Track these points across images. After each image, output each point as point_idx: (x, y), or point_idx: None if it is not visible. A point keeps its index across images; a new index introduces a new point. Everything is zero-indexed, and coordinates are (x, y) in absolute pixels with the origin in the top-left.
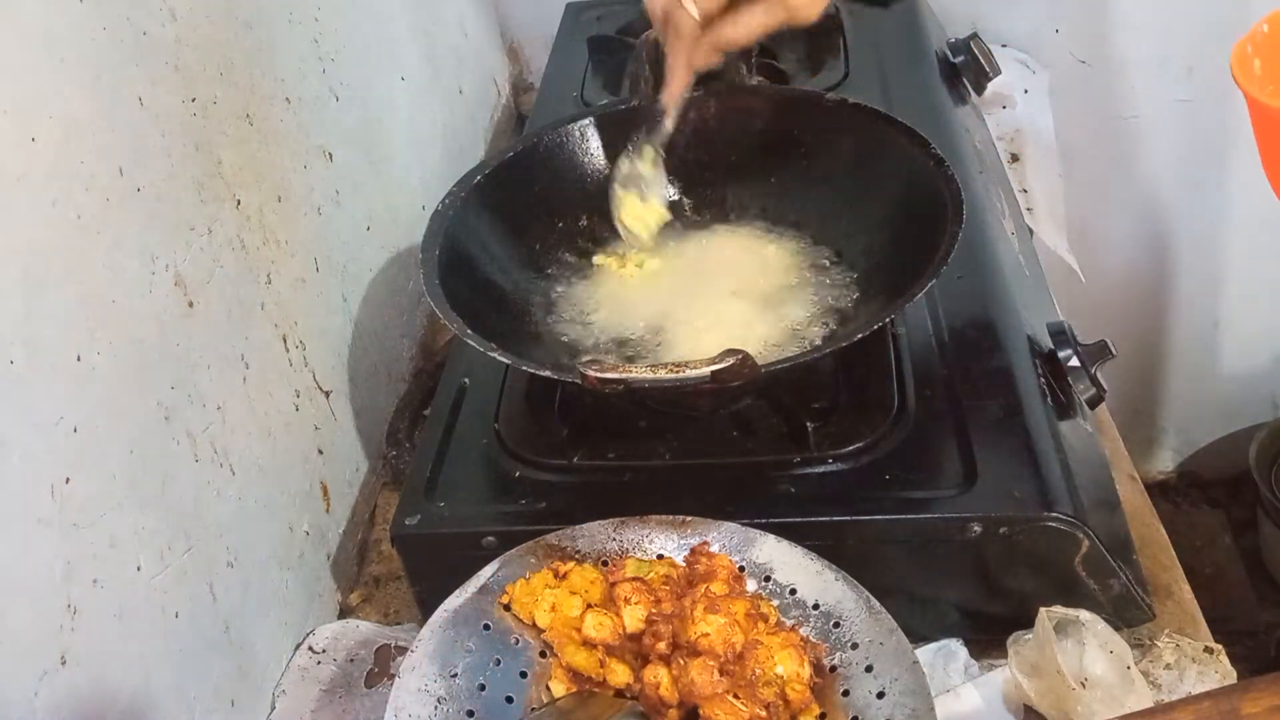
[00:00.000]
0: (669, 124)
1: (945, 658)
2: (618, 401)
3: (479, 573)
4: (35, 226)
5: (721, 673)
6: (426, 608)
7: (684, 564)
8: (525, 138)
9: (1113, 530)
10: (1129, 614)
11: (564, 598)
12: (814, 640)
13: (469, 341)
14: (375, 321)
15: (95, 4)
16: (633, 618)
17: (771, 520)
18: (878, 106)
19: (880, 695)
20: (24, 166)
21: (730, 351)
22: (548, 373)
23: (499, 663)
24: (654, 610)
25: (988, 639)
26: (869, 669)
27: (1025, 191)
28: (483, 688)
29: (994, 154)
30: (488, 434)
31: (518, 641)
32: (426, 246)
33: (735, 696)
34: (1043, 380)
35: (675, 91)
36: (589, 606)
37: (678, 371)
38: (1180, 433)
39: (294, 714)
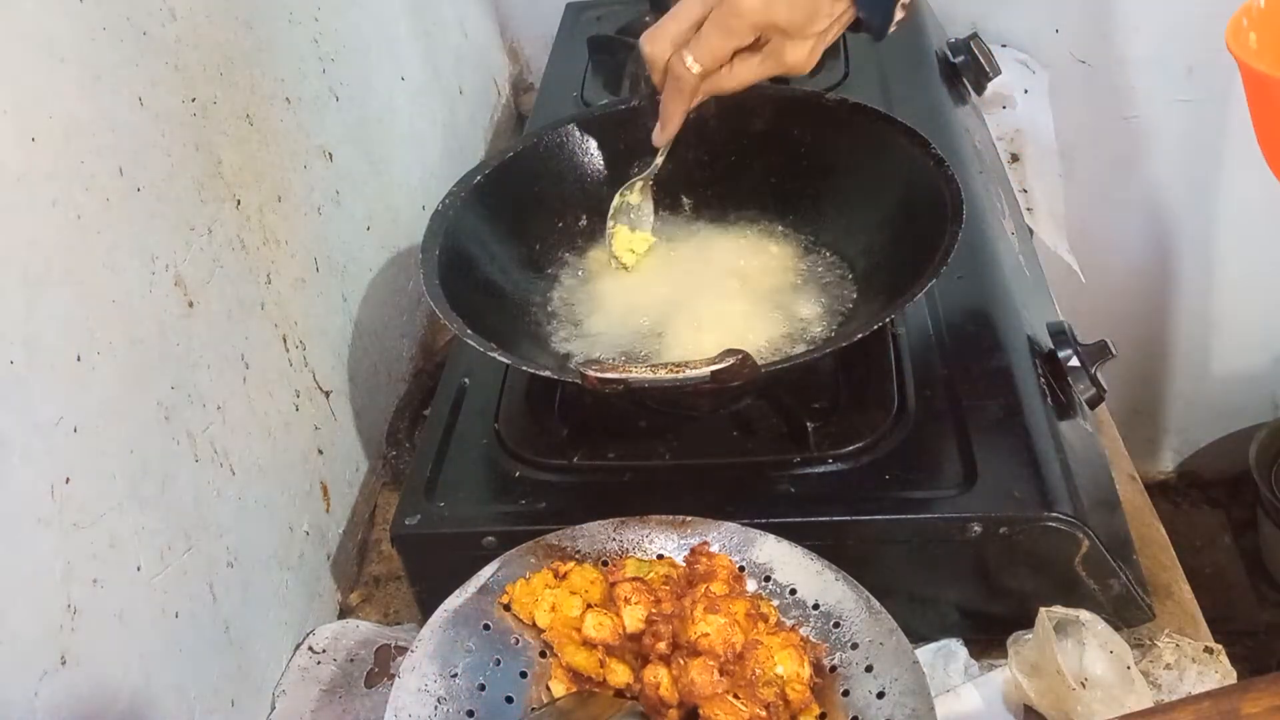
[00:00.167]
0: (659, 161)
1: (945, 658)
2: (618, 401)
3: (479, 573)
4: (35, 226)
5: (721, 673)
6: (426, 608)
7: (684, 564)
8: (525, 138)
9: (1113, 530)
10: (1129, 614)
11: (564, 598)
12: (814, 640)
13: (469, 341)
14: (375, 321)
15: (95, 4)
16: (633, 618)
17: (771, 520)
18: (878, 106)
19: (880, 695)
20: (24, 166)
21: (730, 351)
22: (548, 373)
23: (499, 663)
24: (654, 610)
25: (988, 639)
26: (869, 669)
27: (1025, 191)
28: (483, 688)
29: (994, 154)
30: (488, 434)
31: (518, 641)
32: (426, 246)
33: (735, 696)
34: (1043, 380)
35: (669, 135)
36: (589, 606)
37: (678, 371)
38: (1180, 433)
39: (294, 714)
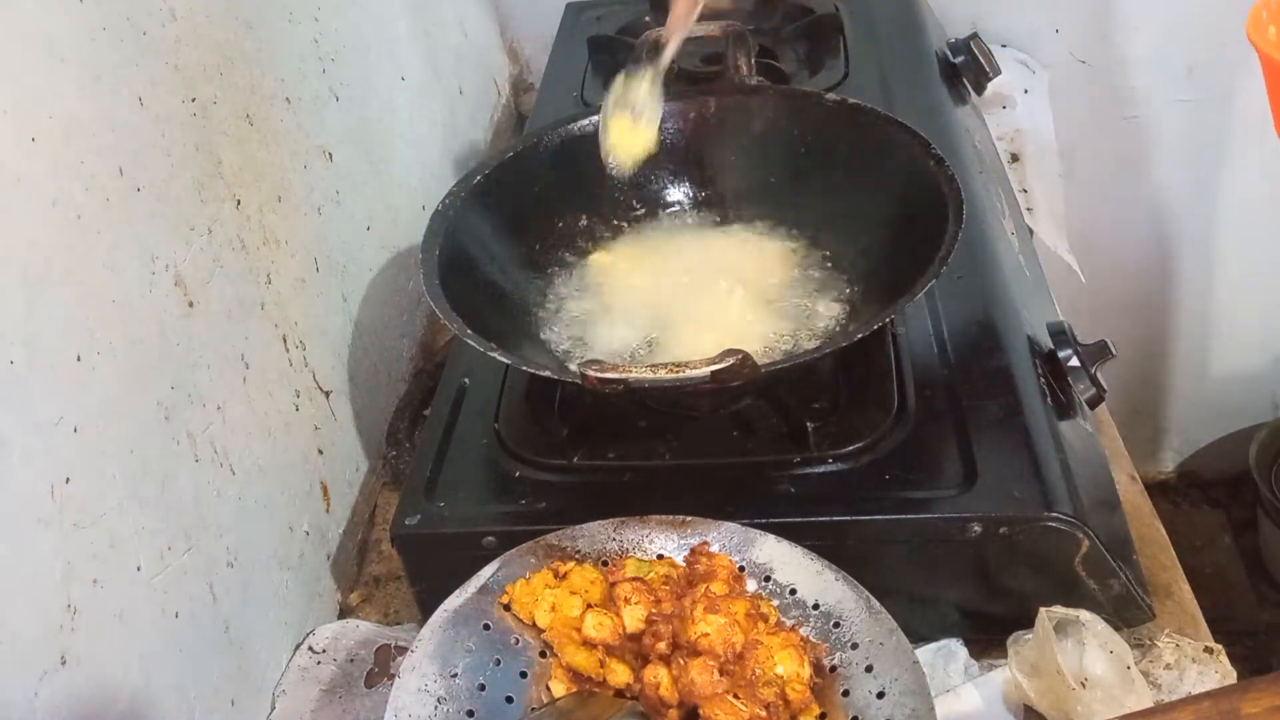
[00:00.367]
0: (670, 52)
1: (945, 658)
2: (618, 401)
3: (479, 573)
4: (35, 226)
5: (721, 673)
6: (426, 608)
7: (684, 564)
8: (525, 138)
9: (1113, 530)
10: (1129, 614)
11: (564, 598)
12: (814, 640)
13: (469, 341)
14: (375, 321)
15: (95, 4)
16: (633, 618)
17: (771, 520)
18: (878, 106)
19: (880, 695)
20: (24, 166)
21: (730, 351)
22: (548, 373)
23: (499, 663)
24: (654, 610)
25: (988, 639)
26: (869, 669)
27: (1025, 191)
28: (483, 688)
29: (994, 154)
30: (488, 434)
31: (518, 641)
32: (426, 246)
33: (735, 696)
34: (1043, 380)
35: (679, 19)
36: (589, 606)
37: (678, 371)
38: (1180, 433)
39: (294, 714)
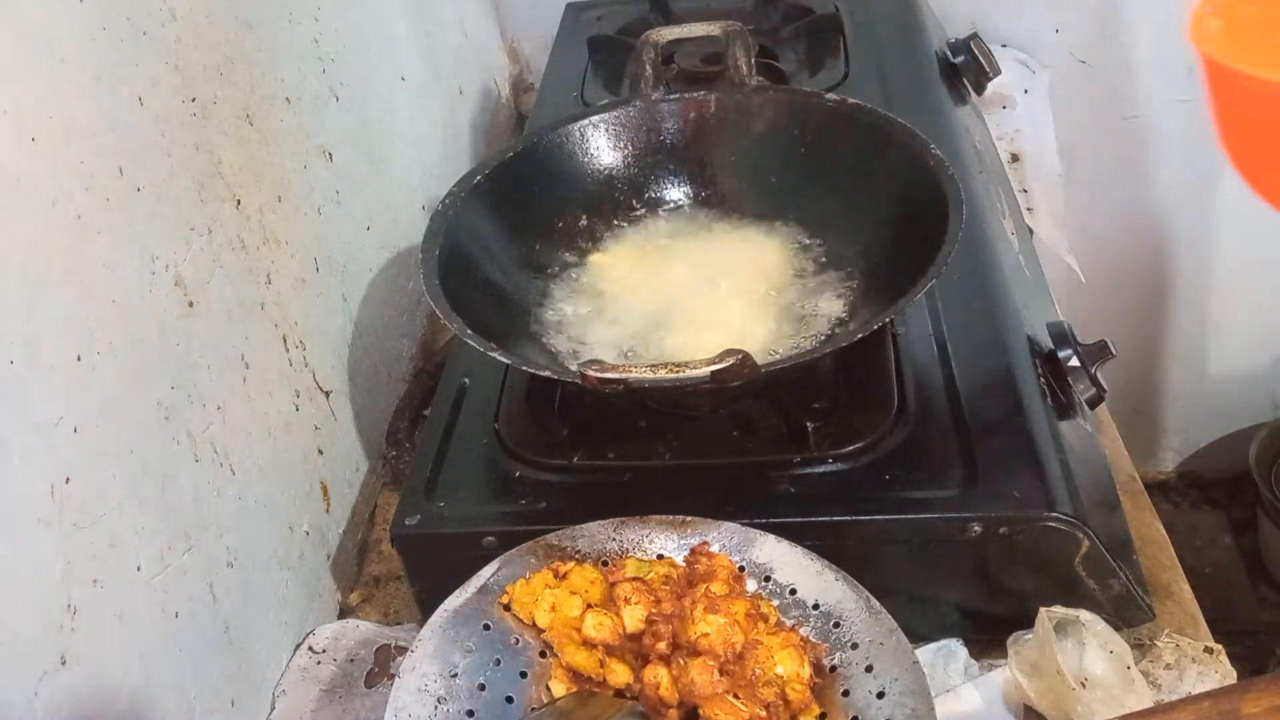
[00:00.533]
0: None
1: (945, 658)
2: (618, 401)
3: (479, 573)
4: (35, 226)
5: (721, 673)
6: (426, 608)
7: (684, 564)
8: (525, 138)
9: (1113, 530)
10: (1129, 614)
11: (564, 598)
12: (814, 640)
13: (469, 341)
14: (375, 321)
15: (95, 4)
16: (633, 618)
17: (771, 520)
18: (878, 106)
19: (880, 695)
20: (24, 166)
21: (730, 351)
22: (548, 373)
23: (499, 663)
24: (654, 610)
25: (988, 639)
26: (869, 669)
27: (1025, 191)
28: (483, 688)
29: (994, 154)
30: (488, 434)
31: (518, 641)
32: (426, 246)
33: (735, 696)
34: (1043, 380)
35: None
36: (589, 606)
37: (678, 371)
38: (1180, 433)
39: (294, 714)
